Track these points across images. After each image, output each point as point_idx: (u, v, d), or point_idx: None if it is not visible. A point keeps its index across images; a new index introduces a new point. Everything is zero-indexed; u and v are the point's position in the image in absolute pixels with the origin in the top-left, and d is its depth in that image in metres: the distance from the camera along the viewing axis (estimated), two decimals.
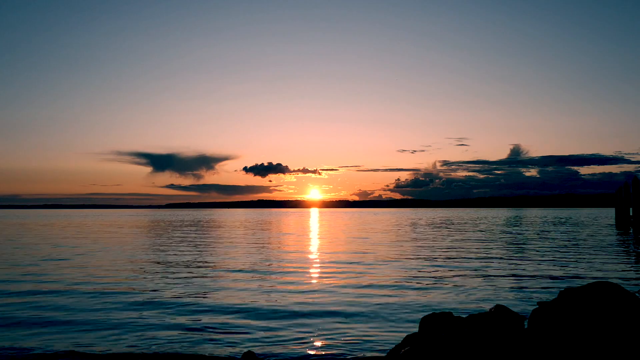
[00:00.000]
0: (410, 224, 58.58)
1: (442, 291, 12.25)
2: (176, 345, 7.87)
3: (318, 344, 7.89)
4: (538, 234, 35.50)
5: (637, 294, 5.46)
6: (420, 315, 7.82)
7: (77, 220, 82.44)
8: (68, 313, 10.14)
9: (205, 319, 9.47)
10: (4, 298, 11.80)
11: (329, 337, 8.25)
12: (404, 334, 7.57)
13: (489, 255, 20.64)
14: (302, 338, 8.19)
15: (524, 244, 27.00)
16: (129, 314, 9.95)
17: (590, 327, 5.01)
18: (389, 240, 30.65)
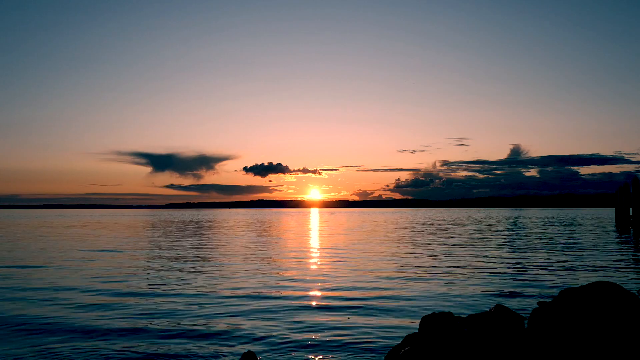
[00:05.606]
0: (410, 224, 58.57)
1: (442, 291, 12.24)
2: (176, 345, 7.86)
3: (318, 344, 7.88)
4: (538, 234, 35.49)
5: (637, 294, 5.45)
6: (420, 315, 7.82)
7: (50, 220, 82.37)
8: (58, 317, 10.13)
9: (205, 319, 9.46)
10: None
11: (329, 337, 8.24)
12: (404, 334, 7.57)
13: (489, 255, 20.63)
14: (302, 338, 8.18)
15: (523, 244, 26.99)
16: (127, 316, 9.94)
17: (590, 327, 5.00)
18: (389, 240, 30.64)
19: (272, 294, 12.03)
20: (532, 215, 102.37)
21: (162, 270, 16.63)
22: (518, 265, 17.18)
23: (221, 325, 9.04)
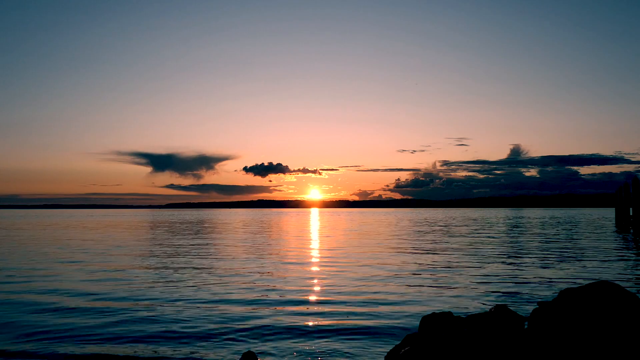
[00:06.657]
0: (409, 224, 58.56)
1: (442, 291, 12.24)
2: (176, 346, 7.86)
3: (318, 344, 7.88)
4: (537, 234, 35.49)
5: (637, 294, 5.45)
6: (420, 315, 7.82)
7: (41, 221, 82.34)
8: (65, 319, 10.13)
9: (205, 320, 9.45)
10: None
11: (328, 337, 8.24)
12: (404, 334, 7.57)
13: (489, 256, 20.63)
14: (302, 338, 8.18)
15: (523, 244, 26.99)
16: (127, 316, 9.94)
17: (590, 327, 5.00)
18: (388, 240, 30.64)
19: (272, 295, 12.02)
20: (532, 215, 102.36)
21: (157, 270, 16.62)
22: (518, 266, 17.17)
23: (220, 326, 9.03)
